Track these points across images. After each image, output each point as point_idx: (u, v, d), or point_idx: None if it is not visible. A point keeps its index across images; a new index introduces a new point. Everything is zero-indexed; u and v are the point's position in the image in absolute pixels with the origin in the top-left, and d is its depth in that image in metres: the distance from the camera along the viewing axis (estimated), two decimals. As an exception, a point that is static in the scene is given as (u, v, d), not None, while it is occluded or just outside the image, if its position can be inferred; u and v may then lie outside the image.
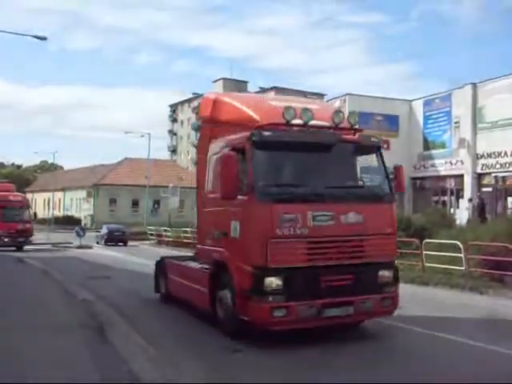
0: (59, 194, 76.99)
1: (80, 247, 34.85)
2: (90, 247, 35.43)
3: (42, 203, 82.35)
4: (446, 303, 13.80)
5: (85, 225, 59.71)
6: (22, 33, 45.21)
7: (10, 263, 23.24)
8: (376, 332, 10.09)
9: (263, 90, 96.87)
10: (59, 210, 76.00)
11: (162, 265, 13.57)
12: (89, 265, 23.69)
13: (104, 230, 40.46)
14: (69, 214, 73.29)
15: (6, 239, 31.47)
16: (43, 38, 26.68)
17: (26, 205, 34.91)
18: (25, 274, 19.24)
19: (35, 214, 40.24)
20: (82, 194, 73.56)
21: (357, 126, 10.17)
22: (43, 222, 59.98)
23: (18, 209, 33.27)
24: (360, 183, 10.27)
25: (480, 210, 29.50)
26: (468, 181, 34.76)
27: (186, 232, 34.55)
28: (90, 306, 11.97)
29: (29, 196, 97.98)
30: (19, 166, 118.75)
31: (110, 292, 15.42)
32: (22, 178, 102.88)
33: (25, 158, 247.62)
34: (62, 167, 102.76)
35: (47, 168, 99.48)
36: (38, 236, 38.36)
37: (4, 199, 32.39)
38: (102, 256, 28.98)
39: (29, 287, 15.13)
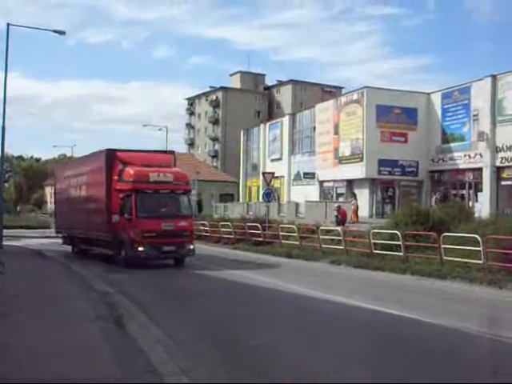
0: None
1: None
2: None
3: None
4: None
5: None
6: (39, 28, 45.56)
7: (29, 257, 23.50)
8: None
9: (281, 83, 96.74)
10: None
11: None
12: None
13: None
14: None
15: (162, 248, 19.85)
16: (62, 33, 26.87)
17: (187, 188, 21.68)
18: (45, 267, 19.49)
19: (200, 202, 27.73)
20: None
21: None
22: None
23: (175, 195, 20.95)
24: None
25: (443, 201, 30.19)
26: (487, 174, 34.40)
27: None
28: (110, 299, 12.09)
29: (47, 190, 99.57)
30: (38, 160, 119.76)
31: (129, 285, 15.58)
32: (41, 171, 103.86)
33: (44, 151, 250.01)
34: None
35: (66, 161, 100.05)
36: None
37: (149, 180, 20.13)
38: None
39: (49, 280, 15.31)
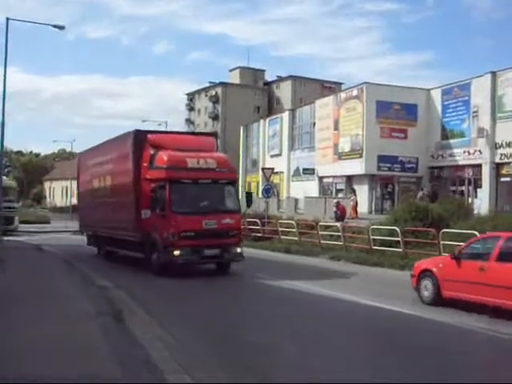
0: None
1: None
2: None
3: (60, 191, 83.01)
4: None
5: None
6: (39, 22, 45.47)
7: (29, 251, 23.47)
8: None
9: (280, 79, 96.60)
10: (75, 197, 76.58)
11: None
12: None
13: None
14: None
15: (203, 252, 16.34)
16: (61, 28, 26.74)
17: (232, 177, 18.08)
18: (44, 261, 19.44)
19: (249, 195, 22.36)
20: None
21: None
22: (61, 210, 60.52)
23: (218, 186, 17.35)
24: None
25: (431, 199, 30.21)
26: (486, 170, 34.43)
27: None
28: (109, 294, 12.10)
29: (47, 184, 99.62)
30: (37, 155, 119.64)
31: (128, 279, 15.61)
32: (41, 166, 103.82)
33: (43, 146, 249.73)
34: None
35: (66, 156, 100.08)
36: (56, 224, 38.67)
37: (186, 166, 16.75)
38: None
39: (48, 275, 15.30)
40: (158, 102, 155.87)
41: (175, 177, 16.32)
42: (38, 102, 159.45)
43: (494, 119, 34.19)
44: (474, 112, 35.58)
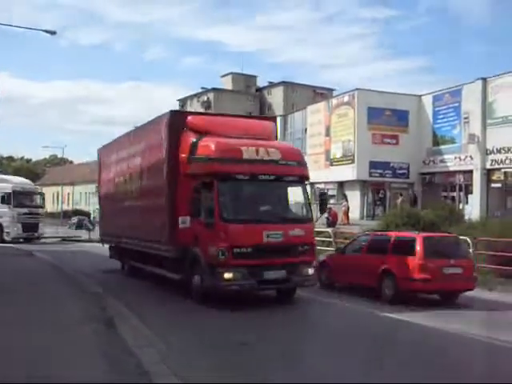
0: (68, 188, 77.30)
1: (89, 241, 34.98)
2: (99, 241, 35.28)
3: (51, 197, 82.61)
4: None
5: (94, 218, 59.91)
6: (30, 27, 45.38)
7: (20, 257, 23.36)
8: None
9: (272, 85, 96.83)
10: (68, 204, 76.32)
11: None
12: (98, 258, 23.74)
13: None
14: (78, 207, 73.62)
15: (263, 274, 12.21)
16: (53, 33, 26.72)
17: (303, 174, 13.54)
18: (35, 267, 19.35)
19: (323, 197, 16.82)
20: (92, 187, 73.71)
21: None
22: (52, 215, 60.34)
23: (284, 185, 13.40)
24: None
25: (412, 203, 31.16)
26: (477, 176, 34.58)
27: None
28: (100, 299, 12.05)
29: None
30: (29, 160, 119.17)
31: (119, 285, 15.54)
32: (32, 172, 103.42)
33: (34, 152, 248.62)
34: (71, 161, 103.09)
35: (57, 162, 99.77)
36: (47, 230, 38.42)
37: (242, 158, 12.52)
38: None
39: (39, 280, 15.22)
40: (151, 108, 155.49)
41: (227, 171, 12.22)
42: (29, 108, 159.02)
43: (484, 125, 34.37)
44: (465, 118, 35.75)
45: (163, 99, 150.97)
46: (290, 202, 13.67)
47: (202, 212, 12.44)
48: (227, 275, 11.73)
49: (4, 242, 31.26)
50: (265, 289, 12.86)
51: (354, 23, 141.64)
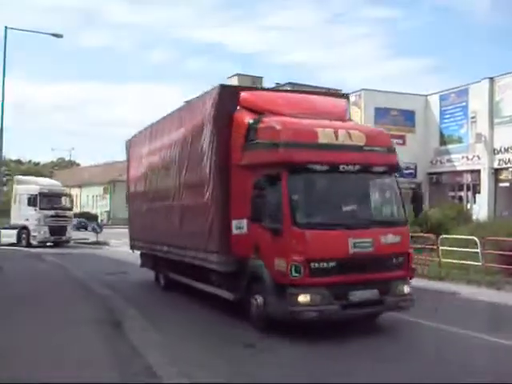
0: (76, 191, 77.52)
1: (97, 243, 34.99)
2: (106, 244, 35.29)
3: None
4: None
5: (101, 221, 60.21)
6: (37, 31, 45.54)
7: (28, 260, 23.45)
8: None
9: (279, 86, 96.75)
10: (76, 207, 76.59)
11: None
12: (106, 260, 23.86)
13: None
14: (85, 210, 73.83)
15: (349, 295, 9.32)
16: (60, 36, 26.98)
17: (393, 163, 10.36)
18: (44, 270, 19.42)
19: (417, 196, 11.83)
20: (99, 190, 73.98)
21: None
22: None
23: (371, 177, 10.44)
24: None
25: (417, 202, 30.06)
26: (485, 176, 34.43)
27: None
28: (108, 301, 12.08)
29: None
30: (36, 164, 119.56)
31: (126, 287, 15.56)
32: (40, 175, 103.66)
33: (42, 155, 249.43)
34: (78, 164, 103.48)
35: (64, 165, 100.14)
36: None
37: (317, 143, 9.58)
38: (119, 252, 29.00)
39: (47, 283, 15.28)
40: (157, 109, 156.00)
41: (299, 160, 9.37)
42: (35, 111, 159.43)
43: (491, 125, 34.21)
44: (472, 118, 35.61)
45: (169, 100, 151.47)
46: (380, 200, 10.90)
47: (264, 214, 9.62)
48: (303, 298, 8.96)
49: (30, 246, 30.34)
50: (351, 315, 9.51)
51: (359, 23, 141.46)
